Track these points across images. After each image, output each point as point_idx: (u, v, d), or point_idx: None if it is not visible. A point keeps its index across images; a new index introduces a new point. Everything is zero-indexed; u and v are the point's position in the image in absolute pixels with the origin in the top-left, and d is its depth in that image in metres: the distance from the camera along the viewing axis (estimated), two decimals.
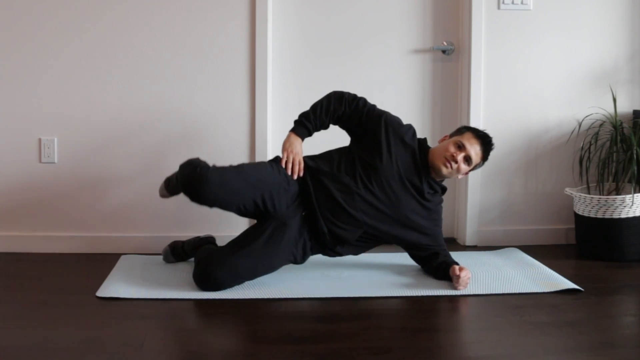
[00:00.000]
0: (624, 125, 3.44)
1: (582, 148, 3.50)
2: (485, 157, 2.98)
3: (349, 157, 2.91)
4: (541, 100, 3.58)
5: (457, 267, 2.81)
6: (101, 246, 3.37)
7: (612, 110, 3.48)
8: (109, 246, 3.36)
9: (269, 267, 2.83)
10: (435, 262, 2.95)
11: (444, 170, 2.90)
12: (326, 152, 2.99)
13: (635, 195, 3.25)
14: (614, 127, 3.42)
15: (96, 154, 3.36)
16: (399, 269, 3.08)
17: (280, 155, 2.90)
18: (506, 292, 2.80)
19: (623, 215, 3.27)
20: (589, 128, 3.54)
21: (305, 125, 2.91)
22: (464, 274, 2.79)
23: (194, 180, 2.66)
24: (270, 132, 3.43)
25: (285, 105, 3.46)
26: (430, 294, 2.76)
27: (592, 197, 3.31)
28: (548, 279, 2.94)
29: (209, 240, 3.15)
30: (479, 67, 3.50)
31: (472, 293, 2.78)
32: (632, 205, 3.26)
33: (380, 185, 2.86)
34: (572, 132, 3.56)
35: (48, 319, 2.47)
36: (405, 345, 2.27)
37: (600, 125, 3.49)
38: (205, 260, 2.81)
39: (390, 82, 3.56)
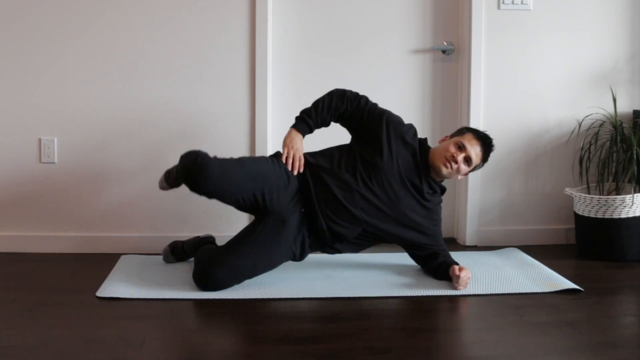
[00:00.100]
0: (624, 125, 3.44)
1: (582, 148, 3.50)
2: (485, 158, 2.98)
3: (349, 154, 2.91)
4: (541, 100, 3.58)
5: (457, 267, 2.81)
6: (101, 246, 3.37)
7: (612, 110, 3.49)
8: (109, 246, 3.36)
9: (269, 265, 2.83)
10: (435, 262, 2.95)
11: (444, 171, 2.90)
12: (326, 149, 2.98)
13: (635, 195, 3.25)
14: (614, 127, 3.42)
15: (96, 154, 3.36)
16: (399, 269, 3.08)
17: (281, 150, 2.90)
18: (506, 292, 2.80)
19: (623, 215, 3.27)
20: (589, 128, 3.54)
21: (307, 121, 2.91)
22: (463, 274, 2.79)
23: (195, 170, 2.67)
24: (270, 131, 3.43)
25: (285, 105, 3.46)
26: (430, 294, 2.76)
27: (592, 197, 3.31)
28: (548, 279, 2.94)
29: (209, 240, 3.15)
30: (479, 67, 3.50)
31: (472, 293, 2.78)
32: (632, 205, 3.26)
33: (380, 184, 2.86)
34: (572, 132, 3.56)
35: (48, 319, 2.47)
36: (405, 345, 2.27)
37: (600, 125, 3.49)
38: (205, 260, 2.81)
39: (390, 82, 3.56)
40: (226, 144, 3.39)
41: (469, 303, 2.70)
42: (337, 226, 2.84)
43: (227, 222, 3.34)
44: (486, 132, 3.00)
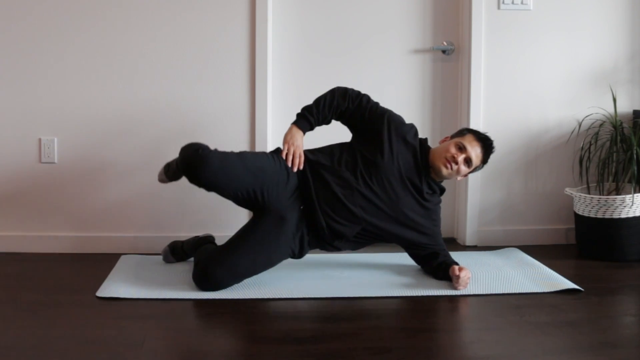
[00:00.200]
0: (624, 125, 3.44)
1: (582, 148, 3.50)
2: (485, 160, 2.98)
3: (350, 152, 2.90)
4: (541, 100, 3.58)
5: (456, 267, 2.81)
6: (101, 246, 3.37)
7: (612, 110, 3.49)
8: (109, 246, 3.36)
9: (268, 263, 2.83)
10: (435, 262, 2.95)
11: (444, 171, 2.90)
12: (327, 146, 2.98)
13: (635, 195, 3.25)
14: (614, 127, 3.42)
15: (96, 154, 3.36)
16: (398, 269, 3.08)
17: (281, 146, 2.90)
18: (506, 292, 2.80)
19: (623, 215, 3.27)
20: (589, 128, 3.54)
21: (308, 118, 2.90)
22: (463, 274, 2.79)
23: (195, 161, 2.67)
24: (270, 131, 3.43)
25: (285, 104, 3.46)
26: (430, 294, 2.76)
27: (592, 197, 3.31)
28: (548, 279, 2.94)
29: (208, 239, 3.15)
30: (479, 67, 3.50)
31: (472, 293, 2.78)
32: (632, 205, 3.26)
33: (381, 183, 2.86)
34: (572, 132, 3.56)
35: (48, 319, 2.47)
36: (405, 345, 2.27)
37: (600, 125, 3.49)
38: (204, 260, 2.81)
39: (390, 82, 3.56)
40: (226, 143, 3.36)
41: (469, 303, 2.70)
42: (336, 224, 2.84)
43: (226, 222, 3.34)
44: (487, 134, 3.00)
